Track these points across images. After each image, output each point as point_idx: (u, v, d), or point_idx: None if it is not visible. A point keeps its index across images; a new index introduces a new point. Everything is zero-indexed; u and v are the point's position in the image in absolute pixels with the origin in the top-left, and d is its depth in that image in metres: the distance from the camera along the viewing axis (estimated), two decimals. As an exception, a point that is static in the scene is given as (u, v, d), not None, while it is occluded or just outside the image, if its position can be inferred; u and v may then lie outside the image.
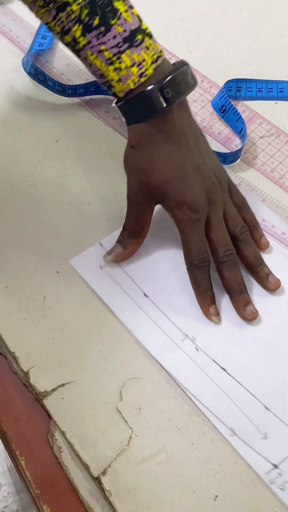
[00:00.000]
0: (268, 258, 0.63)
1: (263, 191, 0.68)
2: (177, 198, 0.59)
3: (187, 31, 0.79)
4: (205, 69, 0.76)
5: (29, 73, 0.74)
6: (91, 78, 0.74)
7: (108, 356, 0.58)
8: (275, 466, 0.53)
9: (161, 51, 0.58)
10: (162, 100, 0.56)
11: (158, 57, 0.58)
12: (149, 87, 0.56)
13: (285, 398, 0.56)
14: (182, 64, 0.59)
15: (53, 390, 0.57)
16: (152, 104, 0.57)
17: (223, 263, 0.60)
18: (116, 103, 0.59)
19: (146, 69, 0.57)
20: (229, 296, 0.60)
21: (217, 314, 0.60)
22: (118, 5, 0.56)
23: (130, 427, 0.55)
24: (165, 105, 0.57)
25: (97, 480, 0.53)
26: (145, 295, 0.62)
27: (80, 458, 0.54)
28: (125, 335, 0.60)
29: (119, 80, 0.56)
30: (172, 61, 0.76)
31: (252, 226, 0.63)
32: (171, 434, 0.55)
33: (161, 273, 0.63)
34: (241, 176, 0.68)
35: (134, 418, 0.56)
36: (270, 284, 0.61)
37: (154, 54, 0.57)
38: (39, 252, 0.64)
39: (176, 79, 0.57)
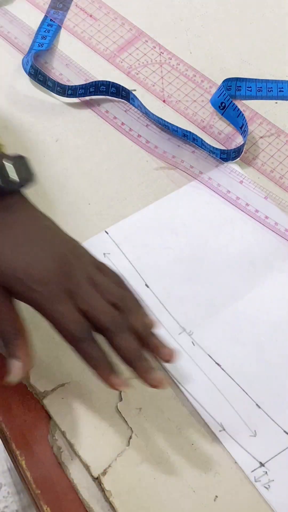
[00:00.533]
0: (272, 255, 0.64)
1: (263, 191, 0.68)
2: (22, 279, 0.51)
3: (187, 31, 0.79)
4: (205, 69, 0.76)
5: (29, 74, 0.74)
6: (91, 78, 0.74)
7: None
8: (262, 465, 0.54)
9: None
10: None
11: None
12: None
13: (278, 397, 0.57)
14: (20, 157, 0.56)
15: (53, 390, 0.57)
16: None
17: (111, 332, 0.51)
18: None
19: None
20: (128, 366, 0.52)
21: (123, 383, 0.51)
22: None
23: (130, 427, 0.55)
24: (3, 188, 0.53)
25: (97, 480, 0.53)
26: (146, 285, 0.62)
27: (80, 458, 0.54)
28: (125, 335, 0.60)
29: None
30: (172, 61, 0.76)
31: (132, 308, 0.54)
32: (171, 434, 0.55)
33: (164, 265, 0.63)
34: (243, 173, 0.68)
35: (134, 418, 0.56)
36: (163, 356, 0.53)
37: None
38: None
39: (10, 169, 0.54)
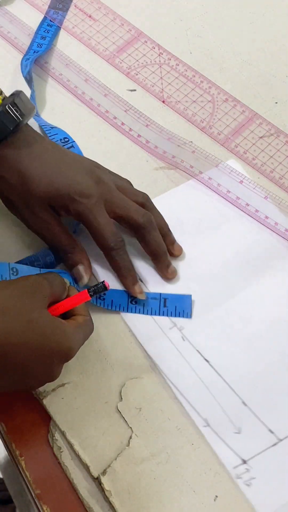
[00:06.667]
0: (272, 255, 0.64)
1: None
2: (66, 193, 0.58)
3: (187, 31, 0.79)
4: (205, 69, 0.76)
5: (25, 78, 0.74)
6: (90, 79, 0.74)
7: (108, 356, 0.59)
8: (244, 462, 0.54)
9: None
10: (14, 117, 0.58)
11: (1, 91, 0.61)
12: None
13: (265, 395, 0.57)
14: (18, 92, 0.61)
15: (53, 390, 0.57)
16: (4, 124, 0.58)
17: (144, 228, 0.60)
18: None
19: None
20: (153, 259, 0.62)
21: (142, 291, 0.60)
22: None
23: (130, 427, 0.55)
24: (21, 119, 0.58)
25: (97, 480, 0.53)
26: (140, 279, 0.62)
27: (80, 458, 0.54)
28: (125, 334, 0.60)
29: None
30: (171, 61, 0.76)
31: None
32: (171, 434, 0.55)
33: None
34: (244, 173, 0.68)
35: (134, 418, 0.56)
36: (176, 250, 0.63)
37: None
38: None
39: (19, 102, 0.60)
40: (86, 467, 0.54)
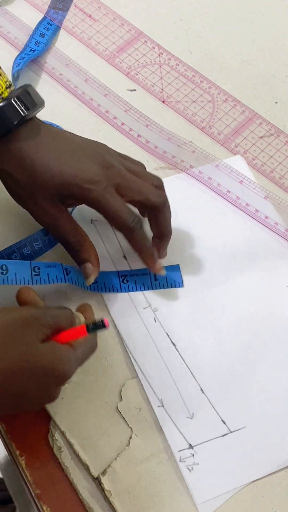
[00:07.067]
0: (271, 255, 0.64)
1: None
2: (73, 183, 0.57)
3: (187, 31, 0.79)
4: (205, 69, 0.76)
5: (12, 75, 0.73)
6: (90, 79, 0.74)
7: (108, 356, 0.59)
8: (191, 447, 0.54)
9: (10, 80, 0.60)
10: (20, 110, 0.57)
11: (10, 84, 0.60)
12: (1, 104, 0.57)
13: (224, 387, 0.57)
14: (27, 86, 0.60)
15: (53, 390, 0.57)
16: (8, 118, 0.57)
17: (159, 209, 0.59)
18: None
19: (2, 93, 0.58)
20: (159, 239, 0.61)
21: (162, 267, 0.61)
22: None
23: (130, 427, 0.55)
24: (25, 113, 0.58)
25: (97, 480, 0.53)
26: (124, 257, 0.63)
27: (80, 458, 0.54)
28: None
29: None
30: (171, 61, 0.76)
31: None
32: (171, 434, 0.55)
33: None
34: (246, 171, 0.68)
35: (134, 418, 0.56)
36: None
37: (7, 81, 0.59)
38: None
39: (26, 95, 0.59)
40: (86, 467, 0.54)
